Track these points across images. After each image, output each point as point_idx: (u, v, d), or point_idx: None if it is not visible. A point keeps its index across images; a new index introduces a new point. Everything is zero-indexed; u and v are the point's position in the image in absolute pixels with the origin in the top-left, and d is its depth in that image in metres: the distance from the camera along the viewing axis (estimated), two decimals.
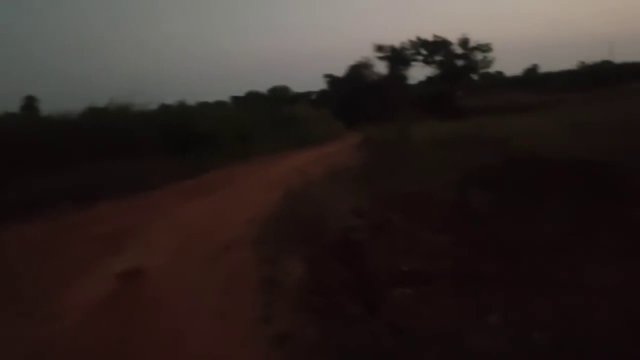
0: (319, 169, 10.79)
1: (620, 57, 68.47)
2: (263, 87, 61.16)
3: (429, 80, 38.85)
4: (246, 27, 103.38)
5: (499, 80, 54.83)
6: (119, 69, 69.77)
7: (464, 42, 37.81)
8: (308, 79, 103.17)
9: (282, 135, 17.78)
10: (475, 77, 40.32)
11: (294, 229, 6.43)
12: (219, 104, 43.12)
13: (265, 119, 18.95)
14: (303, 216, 6.79)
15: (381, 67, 39.68)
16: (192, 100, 20.99)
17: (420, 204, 7.38)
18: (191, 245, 6.48)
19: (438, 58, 38.27)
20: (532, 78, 61.56)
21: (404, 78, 38.64)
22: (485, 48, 37.71)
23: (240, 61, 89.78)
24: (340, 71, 42.65)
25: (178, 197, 9.36)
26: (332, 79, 46.37)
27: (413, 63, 38.68)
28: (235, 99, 55.07)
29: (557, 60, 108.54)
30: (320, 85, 48.72)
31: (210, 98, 44.97)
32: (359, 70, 38.05)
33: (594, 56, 70.73)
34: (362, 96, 33.28)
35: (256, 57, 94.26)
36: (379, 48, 38.50)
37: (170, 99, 16.19)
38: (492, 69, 41.60)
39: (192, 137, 12.76)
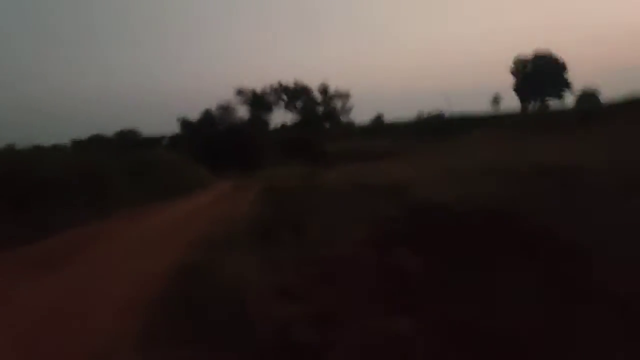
0: (202, 226, 8.84)
1: (456, 107, 75.90)
2: (108, 130, 56.02)
3: (291, 125, 38.50)
4: (86, 65, 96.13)
5: (350, 128, 57.05)
6: None
7: (324, 90, 38.31)
8: (158, 123, 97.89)
9: (144, 184, 15.25)
10: (333, 124, 40.92)
11: (200, 323, 4.51)
12: (57, 149, 38.00)
13: (121, 166, 16.24)
14: (209, 301, 4.89)
15: (242, 112, 38.45)
16: (23, 143, 17.38)
17: (349, 273, 5.90)
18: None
19: (299, 104, 38.16)
20: (378, 127, 65.42)
21: (265, 123, 37.81)
22: (344, 96, 38.59)
23: (80, 102, 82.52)
24: (194, 115, 40.48)
25: (15, 271, 6.72)
26: (186, 123, 43.98)
27: (274, 108, 38.12)
28: (77, 143, 49.70)
29: (399, 109, 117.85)
30: (172, 129, 45.85)
31: (47, 141, 39.38)
32: (219, 114, 36.31)
33: (431, 107, 77.58)
34: (224, 141, 31.51)
35: (99, 97, 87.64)
36: (240, 92, 37.34)
37: None
38: (348, 117, 42.62)
39: (32, 188, 9.93)
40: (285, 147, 31.29)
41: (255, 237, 7.40)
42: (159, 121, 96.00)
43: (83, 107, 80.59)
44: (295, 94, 37.21)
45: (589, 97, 62.01)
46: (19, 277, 6.36)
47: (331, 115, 39.18)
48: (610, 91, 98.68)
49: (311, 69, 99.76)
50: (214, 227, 8.48)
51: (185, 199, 14.69)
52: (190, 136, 39.83)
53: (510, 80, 65.26)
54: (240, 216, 9.41)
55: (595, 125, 26.30)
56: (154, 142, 46.75)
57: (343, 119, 41.39)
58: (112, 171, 14.52)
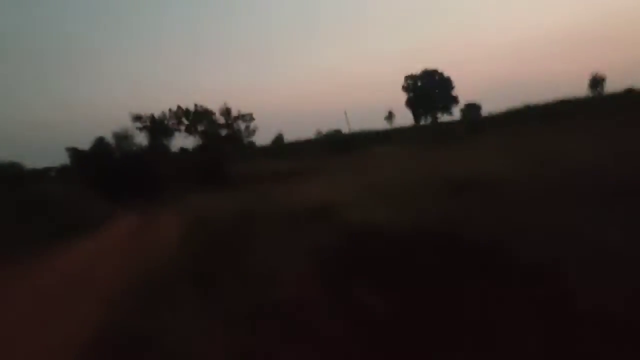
0: (119, 272, 7.51)
1: (353, 125, 77.86)
2: None
3: (194, 150, 36.66)
4: None
5: (252, 149, 55.96)
6: None
7: (226, 112, 36.99)
8: (43, 156, 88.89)
9: (33, 224, 13.22)
10: (237, 146, 39.65)
11: None
12: None
13: (3, 204, 14.07)
14: None
15: (141, 139, 35.95)
16: None
17: (313, 327, 5.04)
18: None
19: (201, 128, 36.49)
20: (279, 147, 64.93)
21: (166, 148, 35.63)
22: (247, 118, 37.55)
23: None
24: (86, 145, 37.31)
25: None
26: (76, 153, 40.50)
27: (175, 133, 36.10)
28: None
29: (297, 130, 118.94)
30: (59, 161, 41.91)
31: None
32: (115, 142, 33.63)
33: (330, 125, 79.05)
34: (121, 170, 29.04)
35: None
36: (137, 118, 34.90)
37: None
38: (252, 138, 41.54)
39: None
40: (190, 173, 29.58)
41: (189, 283, 6.29)
42: (44, 154, 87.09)
43: None
44: (197, 117, 35.59)
45: (472, 110, 66.39)
46: None
47: (235, 137, 37.93)
48: (491, 104, 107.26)
49: (208, 92, 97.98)
50: (135, 272, 7.19)
51: (88, 238, 12.88)
52: (81, 167, 36.53)
53: (402, 97, 68.14)
54: (163, 256, 8.15)
55: (481, 135, 27.65)
56: (39, 175, 42.51)
57: (247, 140, 40.25)
58: None
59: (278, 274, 6.52)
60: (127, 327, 4.76)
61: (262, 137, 76.46)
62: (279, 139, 70.15)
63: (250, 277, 6.36)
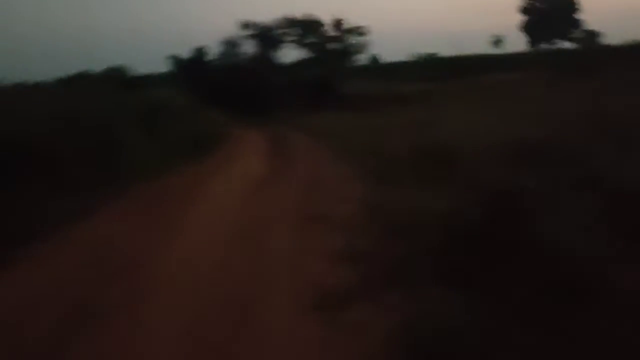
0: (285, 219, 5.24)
1: (453, 50, 71.16)
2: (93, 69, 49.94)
3: (302, 63, 33.84)
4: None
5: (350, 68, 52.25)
6: None
7: (337, 24, 33.48)
8: (146, 63, 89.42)
9: (159, 136, 11.31)
10: (346, 62, 36.29)
11: None
12: (39, 87, 32.73)
13: (127, 110, 12.19)
14: None
15: (248, 48, 33.39)
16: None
17: None
18: None
19: (310, 40, 33.39)
20: (376, 67, 60.31)
21: (274, 60, 33.09)
22: (360, 31, 33.86)
23: (64, 41, 74.79)
24: (185, 52, 35.87)
25: None
26: (179, 61, 38.93)
27: (283, 44, 33.30)
28: (62, 81, 43.96)
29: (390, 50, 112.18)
30: (160, 69, 40.69)
31: (27, 79, 34.02)
32: (224, 50, 31.50)
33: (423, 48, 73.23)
34: (230, 81, 27.00)
35: (84, 36, 79.87)
36: (246, 26, 32.29)
37: None
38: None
39: (12, 154, 6.11)
40: (302, 89, 27.07)
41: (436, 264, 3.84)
42: (147, 60, 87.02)
43: (66, 46, 72.57)
44: (306, 28, 32.36)
45: (591, 39, 57.92)
46: None
47: (346, 52, 34.41)
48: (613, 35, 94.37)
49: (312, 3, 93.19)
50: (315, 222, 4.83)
51: (222, 159, 10.84)
52: (186, 75, 34.97)
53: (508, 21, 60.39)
54: (352, 208, 5.74)
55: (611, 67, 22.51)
56: (145, 81, 41.75)
57: (360, 57, 36.63)
58: (120, 120, 10.52)
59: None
60: None
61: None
62: (375, 59, 65.22)
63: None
